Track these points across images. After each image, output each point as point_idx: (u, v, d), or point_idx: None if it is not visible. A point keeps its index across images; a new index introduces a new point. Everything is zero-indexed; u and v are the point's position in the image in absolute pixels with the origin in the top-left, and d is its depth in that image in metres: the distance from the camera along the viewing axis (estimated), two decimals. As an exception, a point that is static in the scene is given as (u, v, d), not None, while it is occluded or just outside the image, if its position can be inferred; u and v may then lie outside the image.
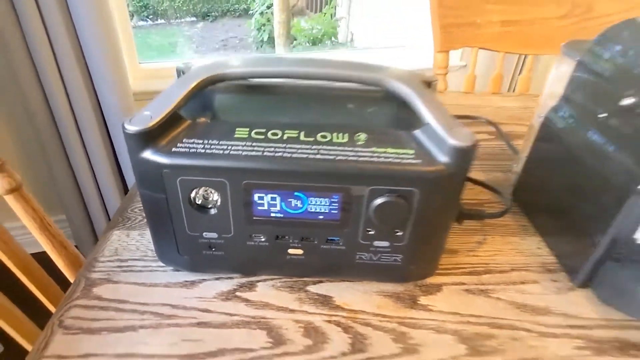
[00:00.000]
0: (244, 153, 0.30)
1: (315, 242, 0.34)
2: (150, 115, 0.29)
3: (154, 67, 1.28)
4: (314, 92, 0.36)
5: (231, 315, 0.34)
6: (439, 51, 0.78)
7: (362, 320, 0.34)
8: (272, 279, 0.37)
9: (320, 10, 3.96)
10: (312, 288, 0.37)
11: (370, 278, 0.37)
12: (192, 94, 0.31)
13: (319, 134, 0.31)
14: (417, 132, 0.31)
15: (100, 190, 1.18)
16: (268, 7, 3.96)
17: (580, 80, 0.40)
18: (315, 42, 3.09)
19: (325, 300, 0.36)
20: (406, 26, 1.63)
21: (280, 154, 0.30)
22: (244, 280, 0.37)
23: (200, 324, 0.33)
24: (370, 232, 0.33)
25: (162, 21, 5.02)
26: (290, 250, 0.34)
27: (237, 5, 5.22)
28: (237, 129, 0.31)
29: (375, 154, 0.30)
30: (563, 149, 0.40)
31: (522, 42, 0.81)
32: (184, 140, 0.30)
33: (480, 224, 0.46)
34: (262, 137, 0.31)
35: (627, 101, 0.32)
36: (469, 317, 0.35)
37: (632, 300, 0.34)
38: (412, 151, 0.30)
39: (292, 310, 0.35)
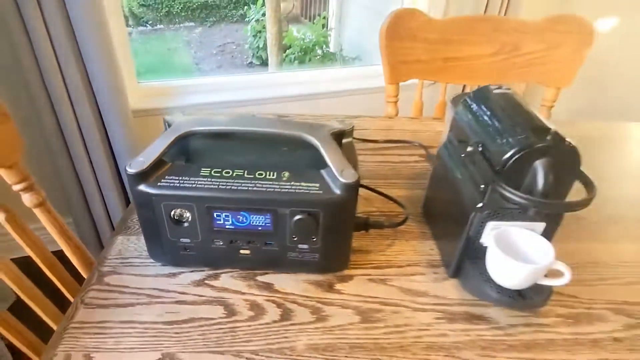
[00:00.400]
0: (206, 186, 0.45)
1: (258, 245, 0.49)
2: (143, 161, 0.44)
3: (151, 86, 1.43)
4: (259, 138, 0.51)
5: (200, 296, 0.49)
6: (389, 83, 0.93)
7: (291, 299, 0.49)
8: (230, 272, 0.52)
9: (315, 18, 4.09)
10: (259, 278, 0.52)
11: (299, 270, 0.52)
12: (172, 145, 0.46)
13: (257, 172, 0.46)
14: (322, 171, 0.46)
15: (103, 197, 1.33)
16: (264, 15, 4.09)
17: (456, 126, 0.55)
18: (306, 51, 3.24)
19: (267, 286, 0.51)
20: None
21: (230, 186, 0.45)
22: (211, 272, 0.52)
23: (178, 302, 0.48)
24: (294, 238, 0.48)
25: (161, 26, 5.15)
26: (241, 251, 0.49)
27: (234, 11, 5.34)
28: (202, 169, 0.46)
29: (294, 187, 0.45)
30: (446, 175, 0.55)
31: (461, 75, 0.95)
32: (166, 177, 0.45)
33: (393, 230, 0.61)
34: (219, 174, 0.46)
35: (469, 149, 0.47)
36: (367, 297, 0.50)
37: (478, 287, 0.49)
38: (317, 185, 0.45)
39: (242, 293, 0.50)
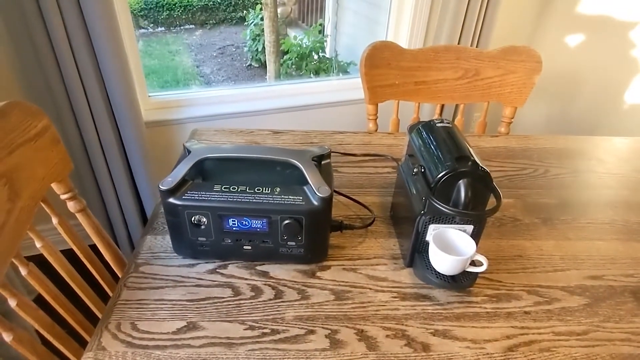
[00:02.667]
0: (218, 199, 0.60)
1: (257, 243, 0.64)
2: (172, 180, 0.60)
3: (161, 99, 1.58)
4: (258, 161, 0.67)
5: (213, 281, 0.65)
6: (369, 104, 1.08)
7: (282, 284, 0.65)
8: (236, 263, 0.68)
9: (313, 22, 4.24)
10: (258, 267, 0.67)
11: (289, 261, 0.68)
12: (192, 168, 0.62)
13: (256, 188, 0.61)
14: (305, 187, 0.61)
15: (119, 199, 1.49)
16: (262, 19, 4.23)
17: (410, 148, 0.70)
18: (303, 56, 3.38)
19: (264, 274, 0.66)
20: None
21: (236, 199, 0.60)
22: (221, 263, 0.68)
23: (197, 285, 0.64)
24: (285, 238, 0.63)
25: (162, 29, 5.28)
26: (244, 247, 0.65)
27: (233, 14, 5.47)
28: (214, 185, 0.61)
29: (283, 199, 0.60)
30: (403, 187, 0.70)
31: (430, 96, 1.10)
32: (188, 192, 0.60)
33: (365, 230, 0.76)
34: (227, 190, 0.61)
35: (415, 170, 0.63)
36: (340, 282, 0.66)
37: (423, 274, 0.64)
38: (301, 197, 0.60)
39: (245, 279, 0.65)
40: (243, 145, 0.63)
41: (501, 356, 0.56)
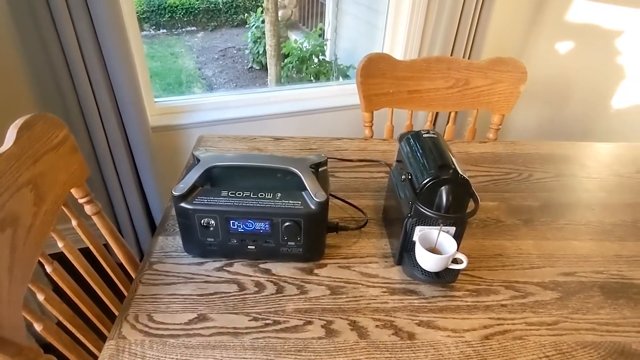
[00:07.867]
0: (225, 203, 0.67)
1: (260, 243, 0.71)
2: (183, 187, 0.67)
3: (166, 105, 1.65)
4: (262, 168, 0.73)
5: (220, 277, 0.71)
6: (365, 112, 1.15)
7: (283, 280, 0.71)
8: (241, 261, 0.75)
9: (313, 25, 4.31)
10: (261, 265, 0.74)
11: (289, 260, 0.74)
12: (202, 176, 0.68)
13: (259, 193, 0.68)
14: (304, 192, 0.68)
15: (126, 202, 1.56)
16: (263, 22, 4.31)
17: (400, 156, 0.77)
18: (303, 60, 3.45)
19: (266, 271, 0.73)
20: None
21: (241, 203, 0.67)
22: (227, 261, 0.74)
23: (205, 282, 0.71)
24: (285, 238, 0.70)
25: (164, 31, 5.34)
26: (249, 247, 0.72)
27: (234, 16, 5.54)
28: (222, 191, 0.68)
29: (284, 204, 0.67)
30: (393, 191, 0.77)
31: (423, 104, 1.17)
32: (198, 197, 0.67)
33: (359, 231, 0.83)
34: (233, 195, 0.68)
35: (403, 177, 0.69)
36: (336, 278, 0.72)
37: (411, 270, 0.71)
38: (300, 202, 0.67)
39: (250, 275, 0.72)
40: (247, 154, 0.70)
41: (478, 344, 0.62)
